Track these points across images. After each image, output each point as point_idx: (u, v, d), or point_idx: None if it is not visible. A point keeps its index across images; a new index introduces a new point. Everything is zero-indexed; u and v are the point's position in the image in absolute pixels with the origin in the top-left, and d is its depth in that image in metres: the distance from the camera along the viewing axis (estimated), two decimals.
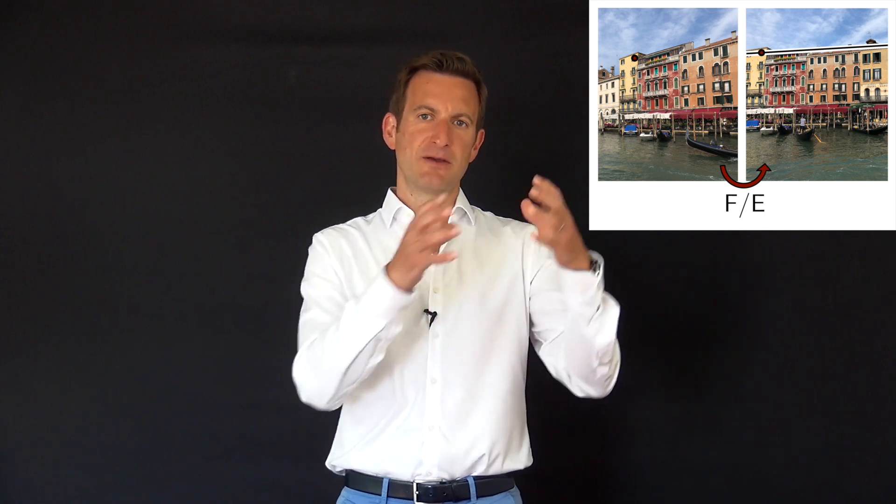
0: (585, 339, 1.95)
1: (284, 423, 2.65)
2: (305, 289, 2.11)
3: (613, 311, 1.94)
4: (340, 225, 2.18)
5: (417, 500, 2.01)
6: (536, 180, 1.81)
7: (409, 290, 1.87)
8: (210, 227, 2.70)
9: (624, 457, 2.67)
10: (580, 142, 2.64)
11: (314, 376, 1.99)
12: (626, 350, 2.61)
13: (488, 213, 2.23)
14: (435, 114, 2.07)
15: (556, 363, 2.07)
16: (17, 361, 2.70)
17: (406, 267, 1.85)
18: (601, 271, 1.89)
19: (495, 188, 2.58)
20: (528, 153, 2.70)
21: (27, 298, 2.71)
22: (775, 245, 2.62)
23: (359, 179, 2.62)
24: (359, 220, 2.19)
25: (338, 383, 1.96)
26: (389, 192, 2.18)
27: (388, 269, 1.88)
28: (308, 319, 2.07)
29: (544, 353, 2.11)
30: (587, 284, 1.89)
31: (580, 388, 2.07)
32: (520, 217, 2.17)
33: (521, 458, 2.11)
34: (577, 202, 2.67)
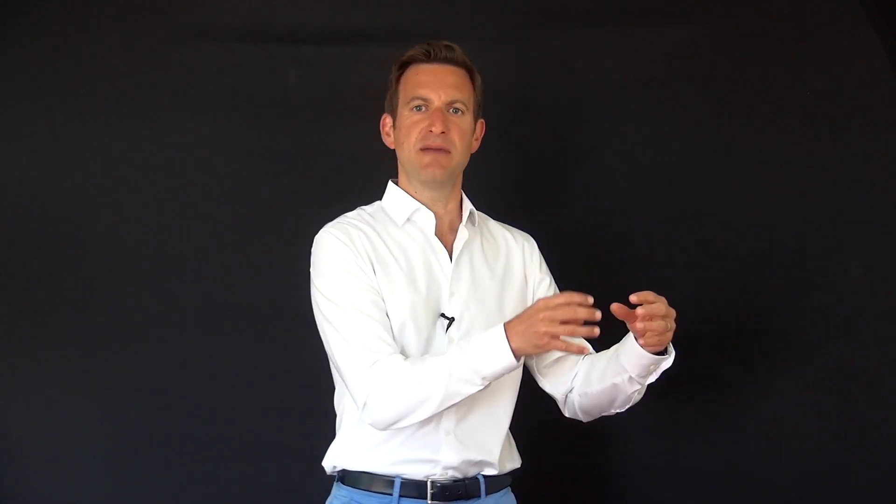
0: (623, 392, 1.99)
1: (284, 424, 2.65)
2: (333, 287, 2.00)
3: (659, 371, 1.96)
4: (347, 219, 2.11)
5: (431, 499, 2.00)
6: (634, 298, 1.82)
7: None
8: (210, 226, 2.70)
9: (621, 457, 2.67)
10: (584, 140, 2.66)
11: (399, 405, 1.91)
12: None
13: (485, 216, 2.21)
14: (428, 103, 2.05)
15: (558, 387, 2.11)
16: (16, 361, 2.70)
17: (531, 343, 1.81)
18: (672, 353, 1.93)
19: (501, 186, 2.60)
20: (531, 151, 2.71)
21: (26, 299, 2.70)
22: (775, 244, 2.62)
23: (359, 179, 2.61)
24: (361, 213, 2.13)
25: (421, 419, 1.92)
26: (393, 186, 2.15)
27: (508, 333, 1.83)
28: (357, 327, 1.96)
29: (541, 373, 2.14)
30: (658, 365, 1.94)
31: (576, 415, 2.12)
32: (505, 216, 2.19)
33: (515, 459, 2.14)
34: (579, 202, 2.69)
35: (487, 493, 2.05)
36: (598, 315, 1.78)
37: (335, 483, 2.10)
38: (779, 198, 2.62)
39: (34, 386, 2.70)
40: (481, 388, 1.88)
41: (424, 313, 2.00)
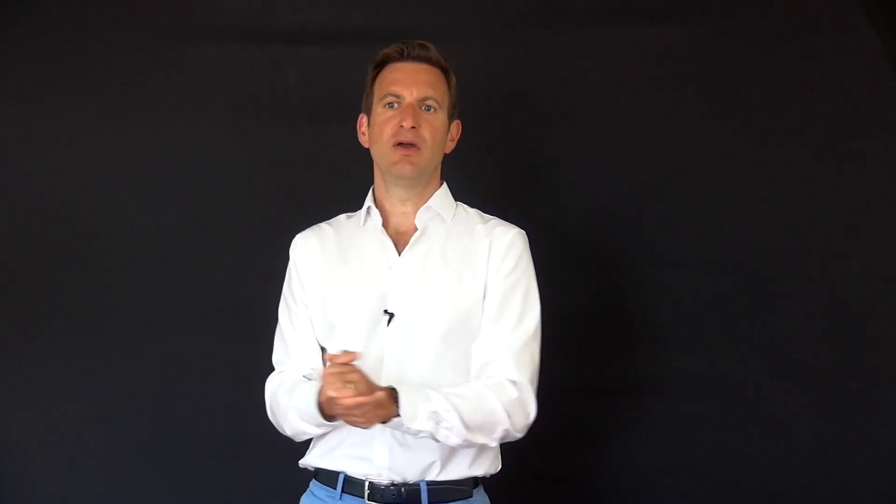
0: None
1: None
2: (282, 301, 2.16)
3: (447, 423, 1.92)
4: (321, 223, 2.19)
5: (368, 500, 2.01)
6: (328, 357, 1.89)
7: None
8: (209, 227, 2.70)
9: (617, 457, 2.67)
10: (584, 140, 2.65)
11: (278, 420, 2.10)
12: (622, 349, 2.62)
13: (473, 210, 2.18)
14: (400, 100, 2.06)
15: None
16: (15, 362, 2.70)
17: (329, 408, 1.90)
18: (403, 414, 1.89)
19: (498, 186, 2.60)
20: (530, 151, 2.70)
21: (26, 299, 2.71)
22: (775, 244, 2.62)
23: (359, 179, 2.61)
24: (342, 216, 2.20)
25: (294, 437, 2.08)
26: (370, 190, 2.18)
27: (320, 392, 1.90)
28: (279, 341, 2.16)
29: None
30: (401, 427, 1.93)
31: None
32: (507, 216, 2.19)
33: (483, 464, 2.06)
34: (578, 202, 2.69)
35: (431, 502, 2.01)
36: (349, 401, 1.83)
37: None
38: (779, 198, 2.62)
39: (34, 386, 2.71)
40: (329, 428, 1.99)
41: (370, 309, 2.04)
